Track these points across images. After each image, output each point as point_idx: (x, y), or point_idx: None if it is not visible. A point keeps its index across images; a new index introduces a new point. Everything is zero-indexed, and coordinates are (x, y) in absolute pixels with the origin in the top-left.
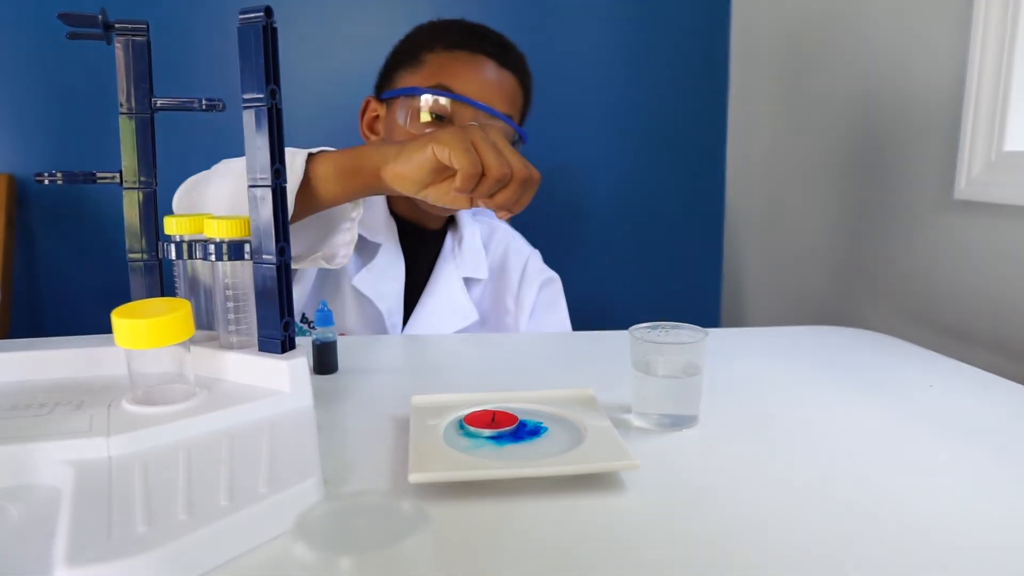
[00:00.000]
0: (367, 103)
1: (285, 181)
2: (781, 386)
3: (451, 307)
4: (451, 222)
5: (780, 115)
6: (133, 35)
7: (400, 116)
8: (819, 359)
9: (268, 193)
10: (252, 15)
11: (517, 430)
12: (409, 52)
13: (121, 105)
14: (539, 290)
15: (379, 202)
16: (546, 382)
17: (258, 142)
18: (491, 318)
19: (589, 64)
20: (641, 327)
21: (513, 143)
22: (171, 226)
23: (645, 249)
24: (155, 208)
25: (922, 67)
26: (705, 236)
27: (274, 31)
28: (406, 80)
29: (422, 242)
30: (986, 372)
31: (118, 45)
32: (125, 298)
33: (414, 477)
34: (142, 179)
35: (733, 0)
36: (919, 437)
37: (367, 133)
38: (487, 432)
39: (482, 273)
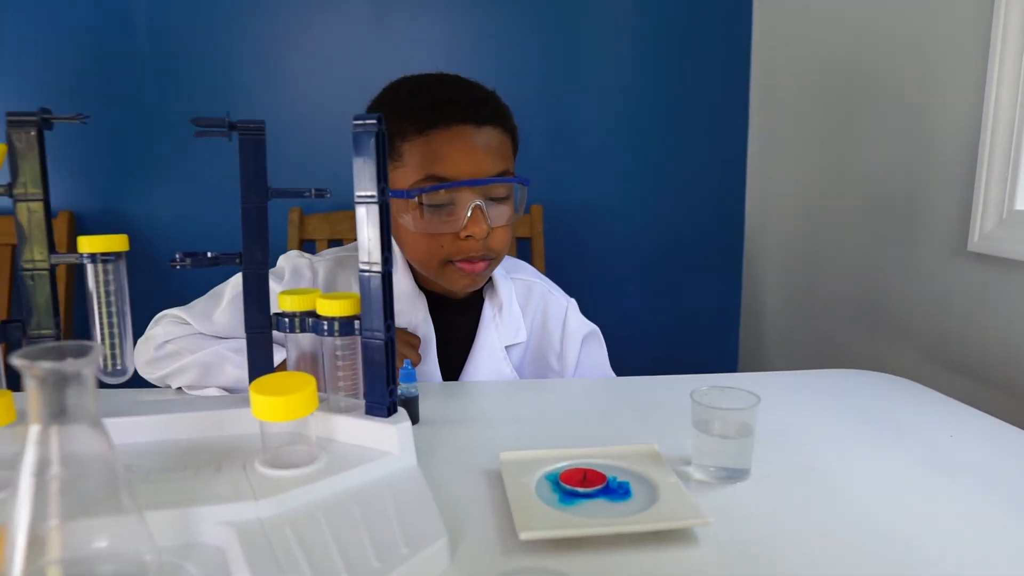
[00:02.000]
0: None
1: (391, 265)
2: (812, 434)
3: (495, 378)
4: (487, 285)
5: (801, 160)
6: (253, 134)
7: (403, 218)
8: (845, 405)
9: (379, 276)
10: (367, 123)
11: (607, 488)
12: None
13: (242, 196)
14: (582, 346)
15: (405, 282)
16: (608, 431)
17: (369, 233)
18: (533, 378)
19: (612, 102)
20: (701, 391)
21: (517, 193)
22: (285, 303)
23: (667, 282)
24: (267, 286)
25: (940, 123)
26: (724, 274)
27: (383, 136)
28: (392, 177)
29: (455, 312)
30: (1001, 421)
31: (240, 142)
32: None
33: (525, 535)
34: (257, 261)
35: (753, 46)
36: (950, 489)
37: None
38: (583, 490)
39: (521, 336)
